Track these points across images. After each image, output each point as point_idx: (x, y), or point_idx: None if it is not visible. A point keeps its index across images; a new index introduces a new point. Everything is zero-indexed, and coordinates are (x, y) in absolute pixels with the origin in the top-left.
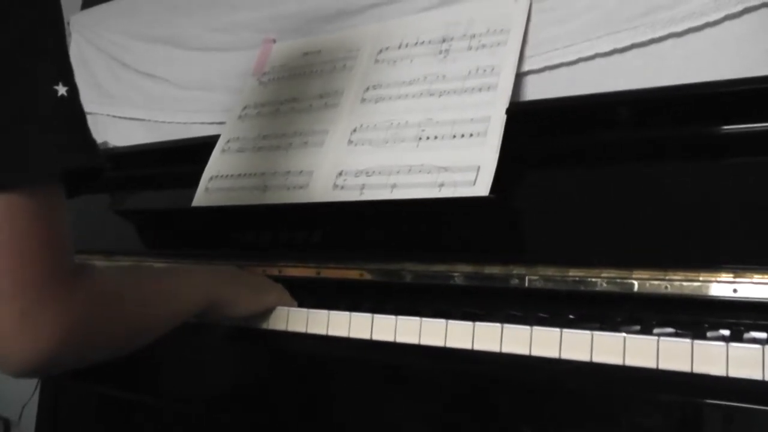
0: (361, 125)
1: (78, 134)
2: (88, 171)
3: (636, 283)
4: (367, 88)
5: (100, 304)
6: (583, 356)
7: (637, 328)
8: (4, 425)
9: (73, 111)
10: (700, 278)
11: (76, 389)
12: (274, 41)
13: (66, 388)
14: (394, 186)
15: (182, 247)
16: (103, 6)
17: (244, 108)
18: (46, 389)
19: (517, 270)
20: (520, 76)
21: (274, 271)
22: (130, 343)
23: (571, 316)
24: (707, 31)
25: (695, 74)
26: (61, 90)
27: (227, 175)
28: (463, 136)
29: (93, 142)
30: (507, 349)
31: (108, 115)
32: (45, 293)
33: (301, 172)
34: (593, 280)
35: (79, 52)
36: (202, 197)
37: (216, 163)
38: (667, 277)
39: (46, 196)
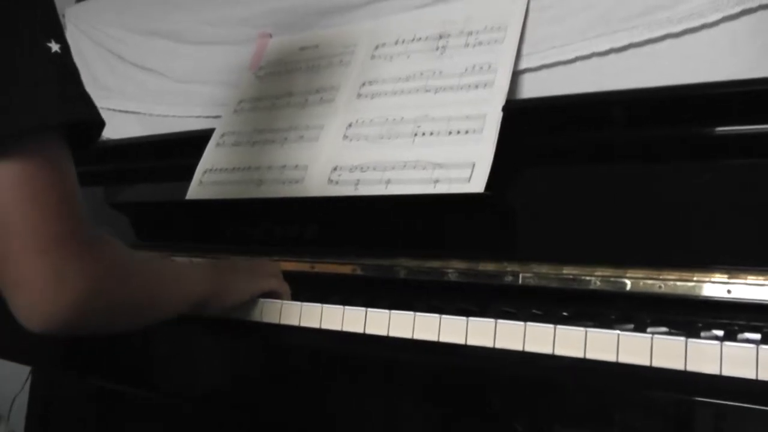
0: (357, 120)
1: (76, 88)
2: (87, 130)
3: (630, 282)
4: (363, 84)
5: (119, 266)
6: (576, 353)
7: (631, 326)
8: None
9: (67, 66)
10: (694, 278)
11: (67, 382)
12: (271, 36)
13: (56, 380)
14: (388, 182)
15: (176, 240)
16: None
17: (240, 102)
18: (36, 382)
19: (510, 267)
20: (516, 74)
21: None
22: (142, 314)
23: (564, 314)
24: (705, 31)
25: (692, 75)
26: (55, 47)
27: (222, 169)
28: (458, 132)
29: (89, 97)
30: (500, 344)
31: (103, 108)
32: (72, 248)
33: (296, 166)
34: (587, 278)
35: (75, 44)
36: (196, 190)
37: (211, 157)
38: (661, 277)
39: (55, 152)
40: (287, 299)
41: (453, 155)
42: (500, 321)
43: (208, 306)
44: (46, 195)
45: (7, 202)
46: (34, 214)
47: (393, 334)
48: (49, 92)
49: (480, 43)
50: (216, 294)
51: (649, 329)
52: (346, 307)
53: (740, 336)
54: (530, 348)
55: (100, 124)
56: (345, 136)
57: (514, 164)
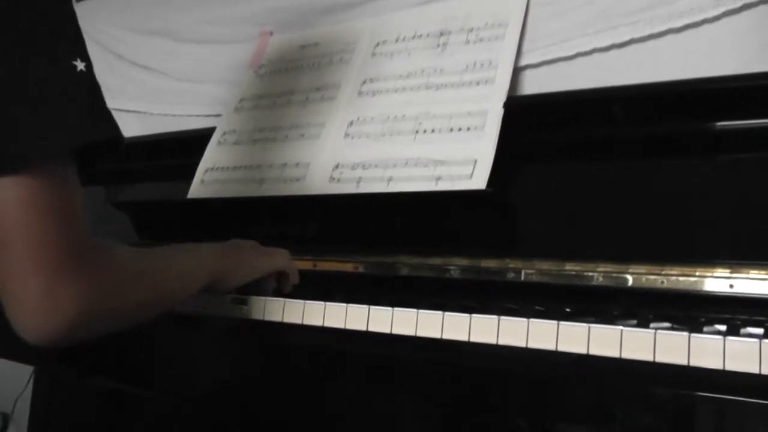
0: (358, 118)
1: (99, 107)
2: (106, 144)
3: (632, 278)
4: (364, 81)
5: (117, 279)
6: (579, 349)
7: (634, 322)
8: (2, 420)
9: (92, 85)
10: (696, 273)
11: (69, 381)
12: (271, 34)
13: (59, 380)
14: (390, 179)
15: (177, 239)
16: None
17: (241, 100)
18: (39, 381)
19: (513, 264)
20: (517, 71)
21: None
22: (143, 314)
23: (567, 310)
24: (706, 27)
25: (693, 70)
26: (80, 65)
27: (223, 168)
28: (460, 129)
29: (110, 114)
30: (503, 341)
31: None
32: (67, 268)
33: (297, 164)
34: (589, 274)
35: None
36: (197, 189)
37: (212, 156)
38: (663, 272)
39: (65, 172)
40: (295, 279)
41: (454, 152)
42: (503, 318)
43: (219, 285)
44: (49, 215)
45: (11, 218)
46: (34, 233)
47: (396, 331)
48: (71, 113)
49: (481, 40)
50: (225, 273)
51: (651, 325)
52: (349, 304)
53: (743, 331)
54: (533, 344)
55: (120, 140)
56: (346, 134)
57: (515, 161)
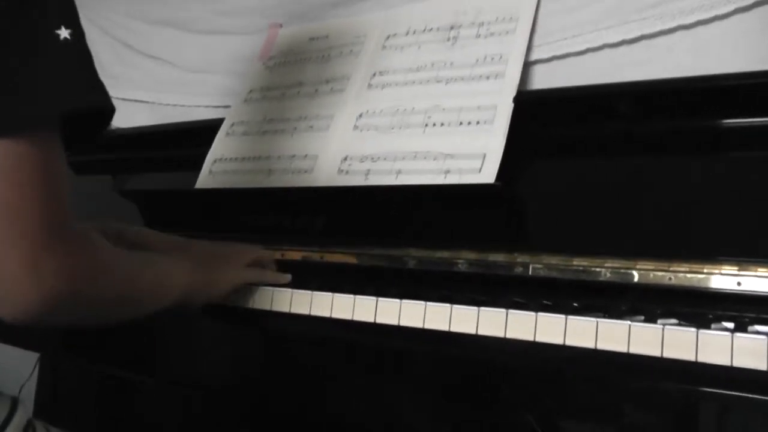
0: (367, 111)
1: (84, 76)
2: (99, 115)
3: (639, 273)
4: (374, 74)
5: (97, 262)
6: (587, 343)
7: (641, 318)
8: (11, 403)
9: (77, 54)
10: (704, 270)
11: (75, 368)
12: (281, 26)
13: (64, 367)
14: (399, 172)
15: (185, 229)
16: None
17: (250, 92)
18: (44, 368)
19: (521, 258)
20: (528, 65)
21: (277, 255)
22: (118, 309)
23: (574, 305)
24: (716, 23)
25: (703, 67)
26: (64, 33)
27: (231, 158)
28: (469, 123)
29: (101, 84)
30: (511, 335)
31: (111, 96)
32: (49, 241)
33: (305, 156)
34: (597, 269)
35: None
36: (205, 180)
37: (220, 146)
38: (671, 269)
39: (47, 143)
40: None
41: (464, 146)
42: (511, 311)
43: (192, 299)
44: (31, 188)
45: None
46: (16, 205)
47: (404, 323)
48: (51, 83)
49: (491, 34)
50: (200, 287)
51: (659, 321)
52: (357, 296)
53: (750, 328)
54: (541, 338)
55: (110, 110)
56: (355, 126)
57: (524, 155)
